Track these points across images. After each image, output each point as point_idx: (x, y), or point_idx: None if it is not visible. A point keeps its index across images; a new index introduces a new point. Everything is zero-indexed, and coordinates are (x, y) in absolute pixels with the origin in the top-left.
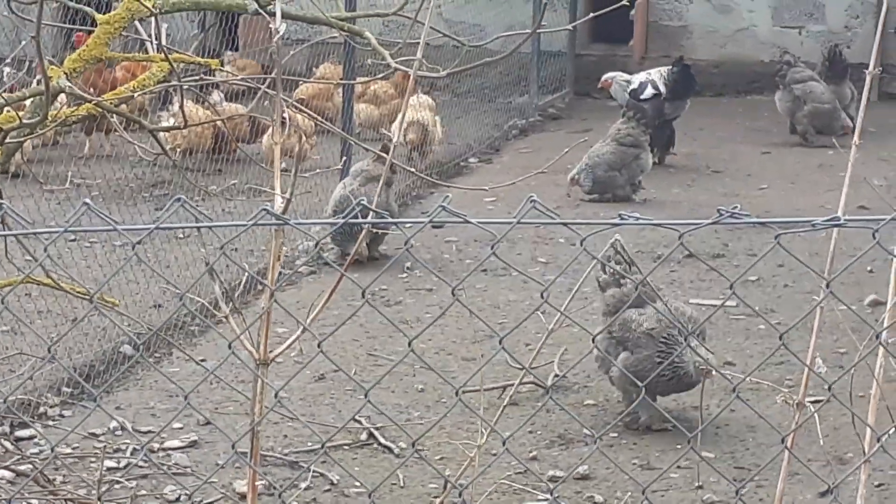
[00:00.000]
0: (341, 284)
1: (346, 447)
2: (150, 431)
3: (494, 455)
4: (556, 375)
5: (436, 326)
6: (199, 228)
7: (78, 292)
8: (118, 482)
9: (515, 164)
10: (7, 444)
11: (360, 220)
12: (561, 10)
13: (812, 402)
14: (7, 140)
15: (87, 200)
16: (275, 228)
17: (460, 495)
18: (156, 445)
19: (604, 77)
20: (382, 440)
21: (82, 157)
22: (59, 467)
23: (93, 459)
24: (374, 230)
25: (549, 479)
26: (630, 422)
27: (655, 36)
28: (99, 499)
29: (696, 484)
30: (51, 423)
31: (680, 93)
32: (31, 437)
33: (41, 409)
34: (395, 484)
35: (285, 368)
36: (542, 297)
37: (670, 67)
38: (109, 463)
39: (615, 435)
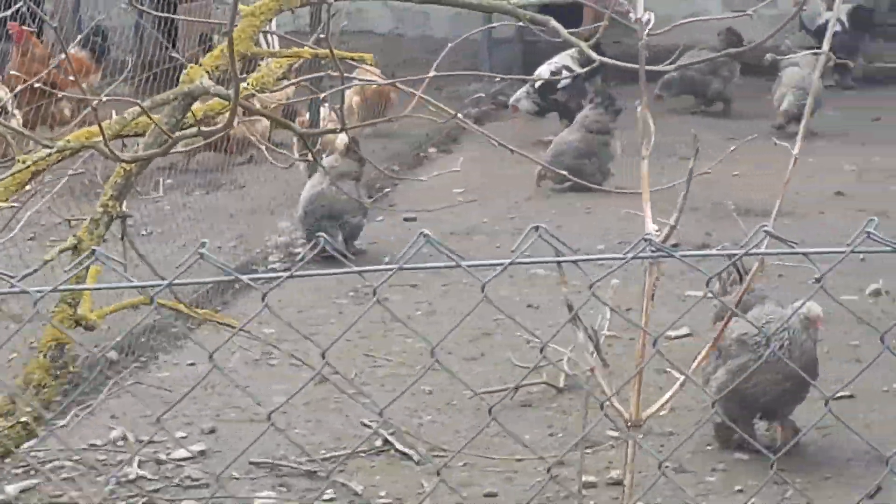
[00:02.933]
0: (324, 282)
1: (362, 454)
2: (152, 441)
3: (519, 460)
4: (568, 374)
5: (429, 325)
6: (559, 263)
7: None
8: (131, 497)
9: (476, 153)
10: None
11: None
12: None
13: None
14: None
15: (426, 231)
16: (650, 261)
17: None
18: (163, 456)
19: (510, 103)
20: (400, 447)
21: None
22: (66, 479)
23: (98, 472)
24: (349, 224)
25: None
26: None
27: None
28: None
29: (736, 488)
30: (44, 432)
31: (598, 70)
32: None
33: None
34: (419, 493)
35: (282, 374)
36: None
37: (577, 49)
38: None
39: (641, 436)
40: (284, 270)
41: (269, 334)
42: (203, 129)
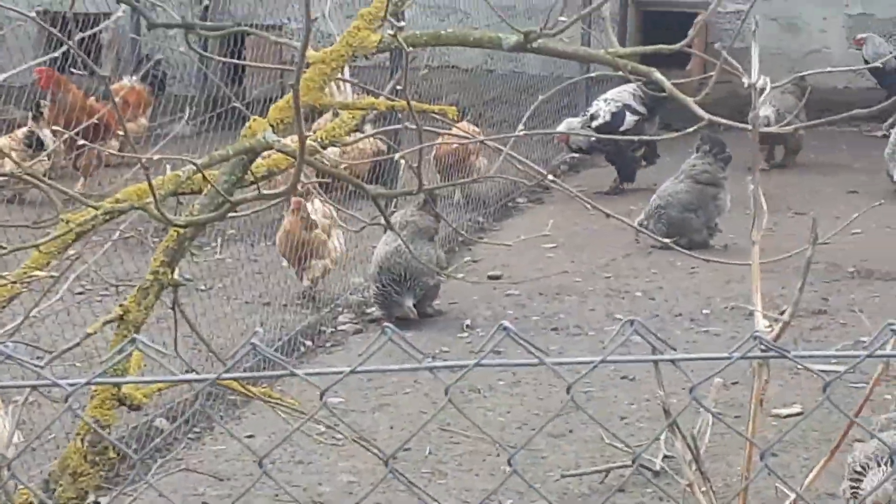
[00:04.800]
0: (395, 345)
1: None
2: None
3: None
4: (665, 456)
5: (513, 396)
6: (655, 363)
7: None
8: None
9: (569, 204)
10: None
11: None
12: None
13: None
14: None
15: (507, 323)
16: (758, 362)
17: None
18: None
19: (559, 129)
20: None
21: None
22: None
23: None
24: (427, 284)
25: None
26: None
27: (716, 58)
28: None
29: None
30: None
31: (658, 110)
32: None
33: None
34: None
35: (348, 450)
36: None
37: (639, 84)
38: None
39: None
40: (355, 333)
41: (337, 404)
42: (264, 192)
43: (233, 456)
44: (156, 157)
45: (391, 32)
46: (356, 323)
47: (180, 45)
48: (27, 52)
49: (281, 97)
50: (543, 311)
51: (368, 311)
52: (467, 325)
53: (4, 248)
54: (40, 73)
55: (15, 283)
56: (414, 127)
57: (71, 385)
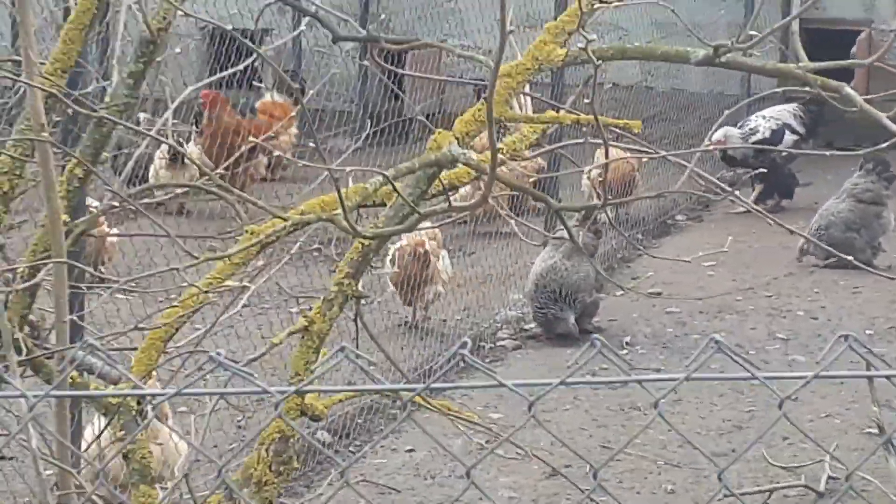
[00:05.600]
0: (556, 360)
1: None
2: None
3: None
4: (830, 477)
5: (674, 415)
6: (870, 379)
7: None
8: None
9: (729, 222)
10: None
11: None
12: (771, 48)
13: None
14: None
15: (718, 337)
16: None
17: None
18: None
19: (714, 137)
20: None
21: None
22: None
23: None
24: (584, 301)
25: None
26: None
27: (878, 75)
28: None
29: None
30: None
31: (816, 131)
32: None
33: None
34: None
35: (509, 466)
36: None
37: (798, 105)
38: None
39: None
40: (515, 349)
41: (497, 419)
42: (455, 204)
43: (393, 469)
44: (347, 168)
45: (581, 46)
46: (515, 339)
47: (346, 59)
48: (194, 66)
49: (440, 113)
50: (704, 330)
51: (527, 327)
52: (627, 343)
53: (196, 258)
54: (205, 98)
55: (206, 292)
56: (599, 141)
57: (281, 392)
